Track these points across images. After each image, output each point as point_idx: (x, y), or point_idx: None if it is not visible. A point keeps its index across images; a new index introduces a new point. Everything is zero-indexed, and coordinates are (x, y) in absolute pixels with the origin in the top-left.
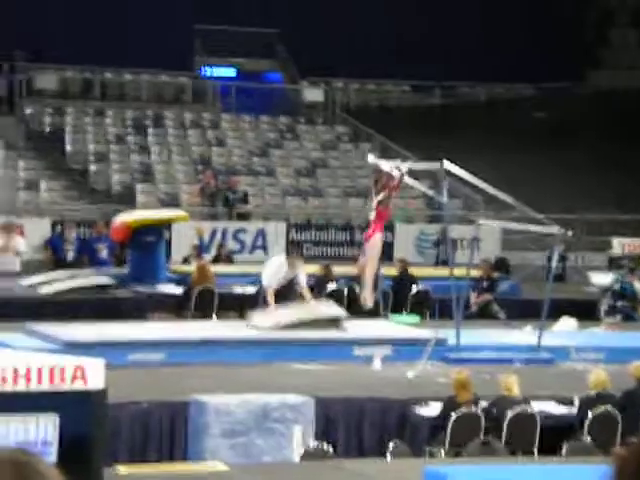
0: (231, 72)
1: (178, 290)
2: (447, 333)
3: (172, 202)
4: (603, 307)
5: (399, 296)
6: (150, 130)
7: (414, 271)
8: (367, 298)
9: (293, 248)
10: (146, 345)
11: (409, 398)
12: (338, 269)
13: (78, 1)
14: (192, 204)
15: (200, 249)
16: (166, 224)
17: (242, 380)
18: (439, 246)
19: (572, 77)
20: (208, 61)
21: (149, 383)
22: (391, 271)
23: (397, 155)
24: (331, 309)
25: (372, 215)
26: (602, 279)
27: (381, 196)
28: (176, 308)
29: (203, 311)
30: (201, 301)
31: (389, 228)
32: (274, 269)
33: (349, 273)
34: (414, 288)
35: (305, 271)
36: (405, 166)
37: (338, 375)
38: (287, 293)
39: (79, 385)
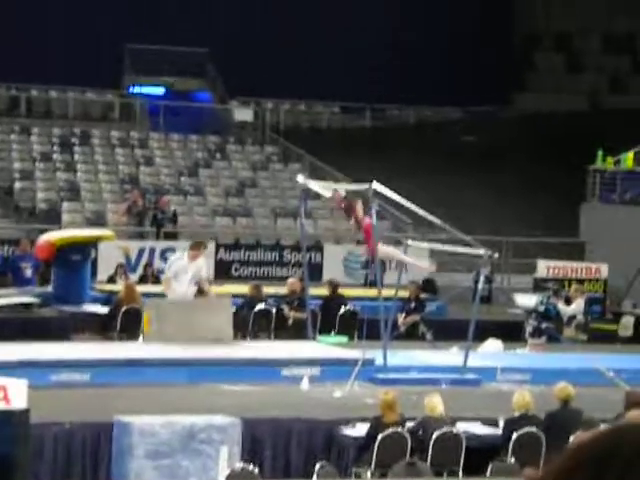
0: (160, 91)
1: (104, 310)
2: (375, 354)
3: (98, 221)
4: (528, 328)
5: (328, 316)
6: (77, 148)
7: (343, 292)
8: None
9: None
10: (70, 365)
11: (336, 419)
12: (268, 289)
13: (5, 17)
14: (118, 223)
15: (126, 268)
16: (92, 243)
17: (168, 401)
18: (368, 267)
19: (499, 101)
20: (137, 79)
21: (73, 404)
22: (320, 291)
23: (327, 176)
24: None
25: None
26: (527, 301)
27: (352, 221)
28: (101, 328)
29: (129, 331)
30: (127, 321)
31: (319, 249)
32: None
33: (278, 293)
34: (343, 309)
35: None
36: (339, 187)
37: (265, 396)
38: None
39: (1, 405)
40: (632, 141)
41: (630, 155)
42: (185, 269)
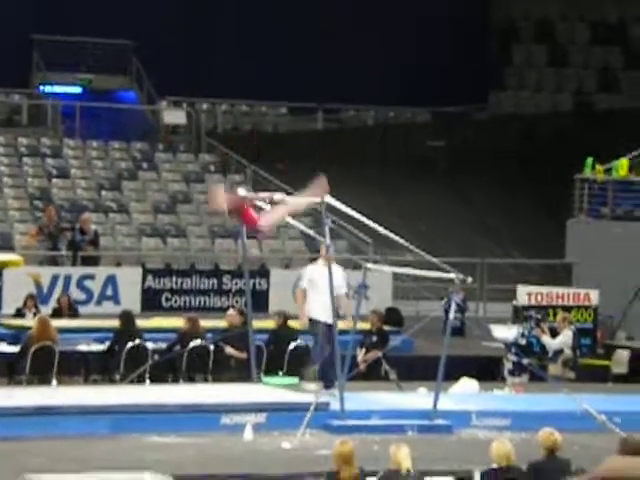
0: (76, 90)
1: (10, 349)
2: (330, 397)
3: (4, 244)
4: (507, 365)
5: (275, 353)
6: None
7: (293, 324)
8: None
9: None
10: None
11: (285, 474)
12: (204, 322)
13: None
14: (28, 247)
15: (37, 299)
16: None
17: (86, 456)
18: None
19: (472, 100)
20: (48, 77)
21: None
22: (266, 324)
23: (272, 188)
24: None
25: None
26: (506, 333)
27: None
28: (8, 370)
29: (40, 374)
30: (38, 362)
31: (264, 274)
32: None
33: (217, 326)
34: (293, 344)
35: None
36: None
37: (202, 448)
38: None
39: None
40: (625, 146)
41: (624, 162)
42: (322, 275)
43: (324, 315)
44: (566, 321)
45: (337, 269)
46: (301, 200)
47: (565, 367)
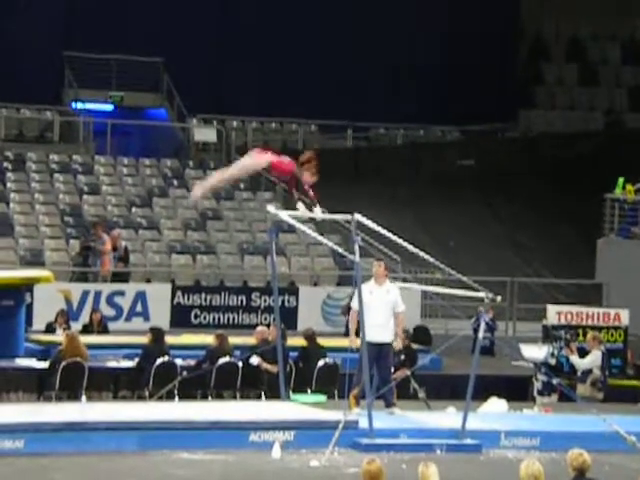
0: (107, 107)
1: (40, 365)
2: (358, 415)
3: (35, 260)
4: (537, 385)
5: (303, 371)
6: (9, 174)
7: (322, 342)
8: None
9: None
10: (0, 431)
11: None
12: (233, 339)
13: None
14: (58, 263)
15: (68, 315)
16: (27, 286)
17: (115, 472)
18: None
19: (502, 119)
20: (80, 94)
21: (2, 477)
22: (295, 341)
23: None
24: None
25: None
26: (535, 352)
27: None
28: (37, 386)
29: (70, 390)
30: (68, 378)
31: (293, 292)
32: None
33: (246, 343)
34: (321, 362)
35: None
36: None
37: (230, 465)
38: None
39: None
40: None
41: (630, 188)
42: (377, 295)
43: (375, 335)
44: (596, 340)
45: (392, 286)
46: (238, 165)
47: (594, 388)
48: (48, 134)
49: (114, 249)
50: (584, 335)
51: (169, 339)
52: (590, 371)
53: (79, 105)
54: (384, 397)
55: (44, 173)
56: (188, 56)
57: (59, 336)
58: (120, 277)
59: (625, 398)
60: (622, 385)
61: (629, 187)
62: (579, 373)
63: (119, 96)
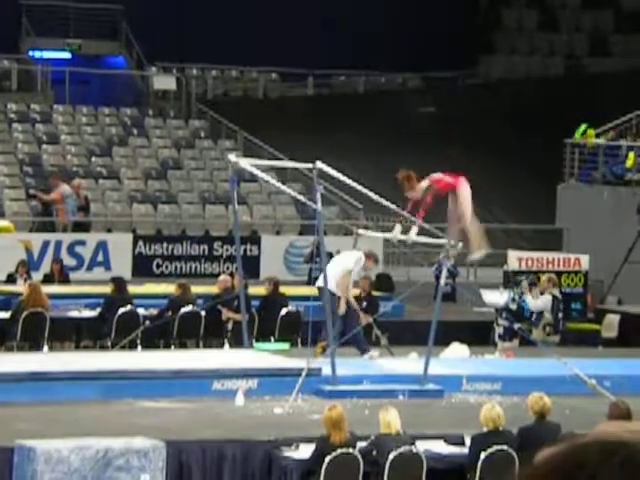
0: (65, 55)
1: (1, 315)
2: (321, 362)
3: None
4: (498, 330)
5: (266, 320)
6: None
7: (284, 290)
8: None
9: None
10: None
11: (276, 439)
12: (196, 288)
13: None
14: (19, 213)
15: (28, 266)
16: None
17: (78, 421)
18: (312, 261)
19: (462, 65)
20: (37, 42)
21: None
22: (257, 290)
23: (263, 154)
24: None
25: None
26: (496, 298)
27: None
28: None
29: (32, 340)
30: (29, 328)
31: (255, 241)
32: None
33: (209, 292)
34: (284, 310)
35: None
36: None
37: (194, 413)
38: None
39: None
40: (617, 110)
41: (590, 132)
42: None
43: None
44: (550, 282)
45: (354, 254)
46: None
47: (544, 331)
48: (6, 83)
49: (78, 198)
50: None
51: (131, 289)
52: (542, 314)
53: (36, 53)
54: (356, 345)
55: (2, 123)
56: (147, 3)
57: (20, 286)
58: (81, 227)
59: (586, 342)
60: (582, 329)
61: (590, 132)
62: (534, 317)
63: (77, 44)
